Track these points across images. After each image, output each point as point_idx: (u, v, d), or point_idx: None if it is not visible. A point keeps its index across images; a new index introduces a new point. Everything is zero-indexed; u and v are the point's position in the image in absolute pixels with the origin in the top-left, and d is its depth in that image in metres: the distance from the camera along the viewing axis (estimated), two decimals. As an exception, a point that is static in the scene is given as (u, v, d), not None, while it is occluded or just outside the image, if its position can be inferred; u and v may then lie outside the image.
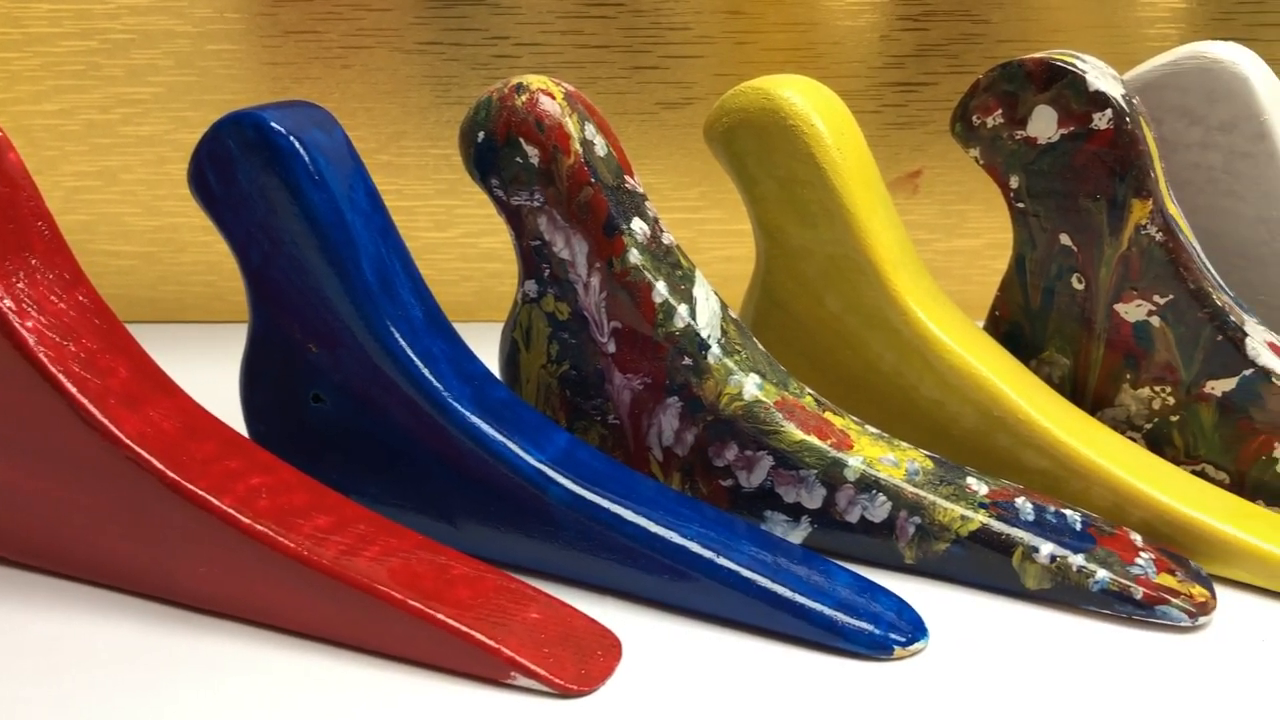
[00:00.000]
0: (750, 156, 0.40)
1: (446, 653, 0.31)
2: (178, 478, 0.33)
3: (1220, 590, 0.36)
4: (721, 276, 0.56)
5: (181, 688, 0.31)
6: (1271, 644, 0.34)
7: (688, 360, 0.37)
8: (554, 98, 0.37)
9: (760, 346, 0.39)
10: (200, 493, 0.33)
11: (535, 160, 0.36)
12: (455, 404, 0.35)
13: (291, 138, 0.35)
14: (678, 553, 0.34)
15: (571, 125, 0.37)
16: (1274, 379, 0.38)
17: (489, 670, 0.31)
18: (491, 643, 0.31)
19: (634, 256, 0.37)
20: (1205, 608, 0.34)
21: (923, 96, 0.52)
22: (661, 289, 0.37)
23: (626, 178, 0.38)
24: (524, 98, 0.37)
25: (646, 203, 0.38)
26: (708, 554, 0.34)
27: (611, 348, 0.38)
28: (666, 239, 0.38)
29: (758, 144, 0.40)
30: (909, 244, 0.41)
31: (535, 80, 0.37)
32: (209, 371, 0.43)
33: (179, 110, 0.58)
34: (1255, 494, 0.39)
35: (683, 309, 0.37)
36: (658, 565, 0.34)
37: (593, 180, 0.37)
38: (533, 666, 0.31)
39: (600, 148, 0.37)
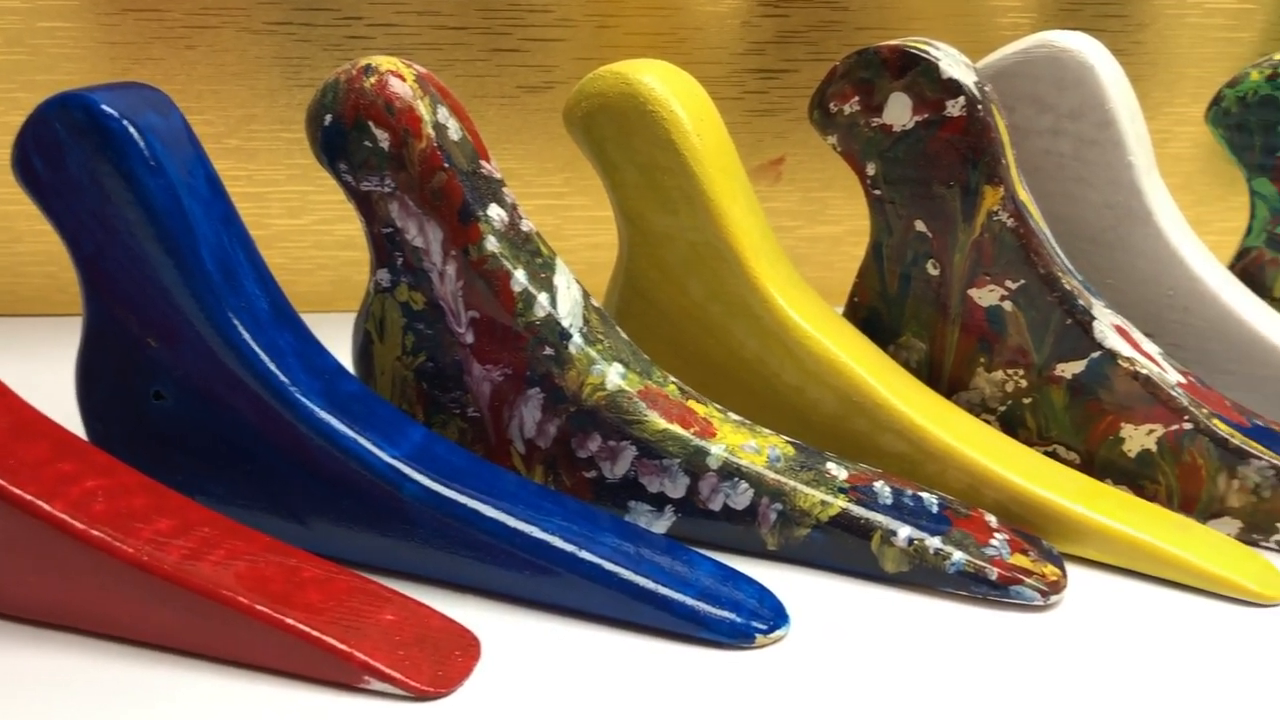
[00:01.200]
0: (610, 142, 0.39)
1: (297, 659, 0.30)
2: (4, 482, 0.30)
3: (1071, 568, 0.37)
4: (588, 264, 0.55)
5: (18, 706, 0.29)
6: (1117, 619, 0.35)
7: (549, 350, 0.36)
8: (404, 80, 0.35)
9: (623, 335, 0.38)
10: (29, 497, 0.30)
11: (385, 144, 0.35)
12: (303, 399, 0.34)
13: (124, 121, 0.33)
14: (539, 548, 0.33)
15: (423, 108, 0.35)
16: (1120, 361, 0.39)
17: (342, 675, 0.30)
18: (344, 647, 0.30)
19: (491, 244, 0.36)
20: (1057, 586, 0.35)
21: (784, 83, 0.53)
22: (521, 277, 0.36)
23: (482, 163, 0.37)
24: (373, 80, 0.35)
25: (504, 188, 0.37)
26: (569, 548, 0.33)
27: (470, 338, 0.37)
28: (526, 226, 0.37)
29: (617, 129, 0.39)
30: (769, 231, 0.41)
31: (385, 61, 0.36)
32: (47, 368, 0.41)
33: (9, 91, 0.55)
34: (1104, 473, 0.40)
35: (543, 297, 0.36)
36: (518, 561, 0.33)
37: (446, 165, 0.35)
38: (387, 670, 0.30)
39: (454, 131, 0.36)
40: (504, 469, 0.36)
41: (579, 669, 0.31)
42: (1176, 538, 0.37)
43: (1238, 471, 0.38)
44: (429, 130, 0.35)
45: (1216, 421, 0.39)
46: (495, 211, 0.36)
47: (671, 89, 0.39)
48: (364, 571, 0.34)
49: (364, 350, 0.39)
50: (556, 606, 0.34)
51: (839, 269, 0.47)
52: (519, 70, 0.52)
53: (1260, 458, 0.38)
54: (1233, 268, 0.46)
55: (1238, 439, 0.38)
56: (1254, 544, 0.39)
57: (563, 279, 0.37)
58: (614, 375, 0.36)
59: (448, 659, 0.31)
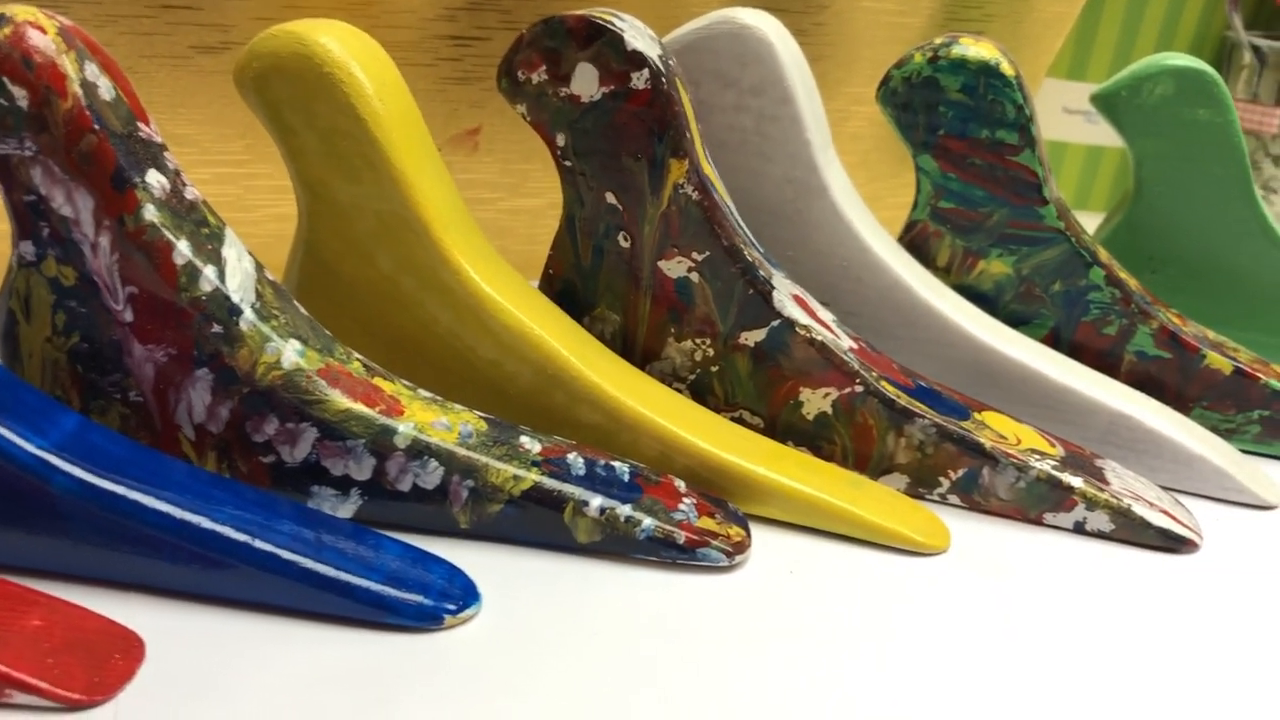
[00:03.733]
0: (286, 106, 0.37)
1: (-78, 679, 0.27)
2: None
3: (755, 528, 0.38)
4: (274, 236, 0.52)
5: None
6: (798, 574, 0.36)
7: (217, 328, 0.34)
8: (45, 32, 0.32)
9: (302, 310, 0.36)
10: None
11: (23, 103, 0.32)
12: (-74, 387, 0.30)
13: None
14: (209, 539, 0.31)
15: (68, 64, 0.32)
16: (798, 329, 0.41)
17: (-24, 693, 0.27)
18: (-23, 661, 0.27)
19: (150, 213, 0.33)
20: (741, 546, 0.36)
21: (478, 51, 0.51)
22: (184, 249, 0.33)
23: (140, 125, 0.34)
24: (7, 31, 0.31)
25: (166, 153, 0.35)
26: (243, 538, 0.31)
27: (129, 316, 0.34)
28: (190, 194, 0.35)
29: (293, 92, 0.37)
30: (460, 201, 0.40)
31: (21, 11, 0.32)
32: None
33: None
34: (785, 436, 0.42)
35: (209, 271, 0.34)
36: (187, 554, 0.31)
37: (96, 127, 0.32)
38: (33, 681, 0.27)
39: (105, 91, 0.33)
40: (171, 457, 0.33)
41: (256, 665, 0.30)
42: (851, 495, 0.39)
43: (904, 430, 0.41)
44: (75, 89, 0.32)
45: (885, 384, 0.41)
46: (155, 178, 0.33)
47: (350, 51, 0.37)
48: (10, 575, 0.30)
49: (8, 331, 0.35)
50: (232, 600, 0.32)
51: (542, 242, 0.47)
52: (192, 29, 0.49)
53: (924, 417, 0.40)
54: (901, 240, 0.49)
55: (904, 400, 0.41)
56: (920, 497, 0.41)
57: (232, 251, 0.35)
58: (291, 353, 0.34)
59: (106, 663, 0.28)
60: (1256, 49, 0.75)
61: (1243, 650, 0.35)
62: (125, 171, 0.33)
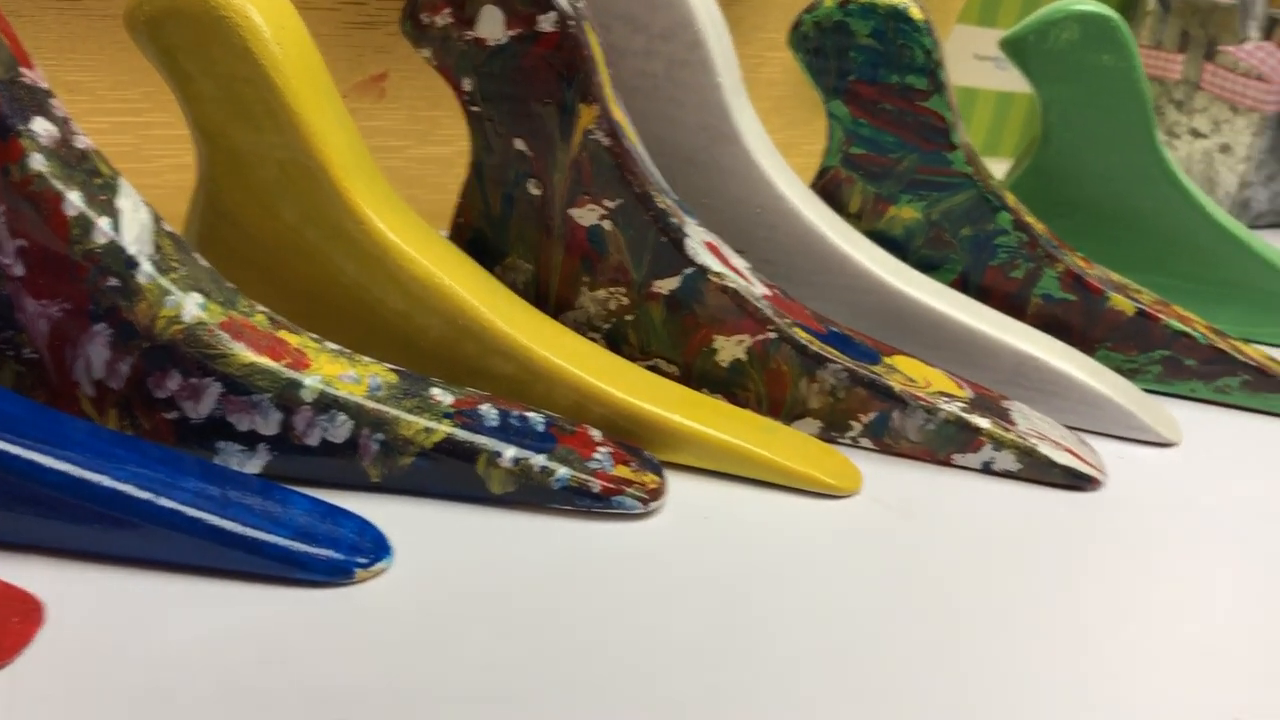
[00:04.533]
0: (181, 51, 0.36)
1: None
2: None
3: (671, 475, 0.38)
4: (174, 187, 0.50)
5: None
6: (713, 519, 0.36)
7: (114, 281, 0.33)
8: (-83, -29, 0.30)
9: (204, 263, 0.35)
10: None
11: (-105, 46, 0.30)
12: None
13: None
14: (111, 498, 0.30)
15: (-57, 5, 0.30)
16: (711, 276, 0.41)
17: None
18: None
19: (37, 162, 0.32)
20: (657, 493, 0.36)
21: (383, -5, 0.50)
22: (75, 200, 0.32)
23: (23, 70, 0.32)
24: (-126, -31, 0.30)
25: (53, 100, 0.33)
26: (145, 495, 0.30)
27: (19, 270, 0.32)
28: (81, 143, 0.33)
29: (188, 37, 0.36)
30: (364, 149, 0.39)
31: (-111, -52, 0.30)
32: None
33: None
34: (700, 383, 0.42)
35: (104, 222, 0.32)
36: (88, 514, 0.30)
37: (-25, 72, 0.31)
38: (-74, 649, 0.26)
39: (-16, 34, 0.31)
40: (70, 416, 0.32)
41: (161, 626, 0.29)
42: (764, 440, 0.39)
43: (817, 375, 0.41)
44: (-49, 31, 0.31)
45: (798, 330, 0.41)
46: (41, 126, 0.32)
47: (247, -7, 0.36)
48: (-104, 541, 0.29)
49: (-111, 288, 0.33)
50: (137, 560, 0.31)
51: (452, 191, 0.46)
52: (81, -30, 0.47)
53: (836, 362, 0.41)
54: (814, 186, 0.49)
55: (816, 345, 0.41)
56: (833, 441, 0.42)
57: (128, 202, 0.33)
58: (192, 306, 0.33)
59: (3, 627, 0.28)
60: (1161, -4, 0.77)
61: (1144, 582, 0.36)
62: (8, 119, 0.31)
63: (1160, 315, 0.48)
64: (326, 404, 0.34)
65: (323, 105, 0.37)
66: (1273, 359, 0.50)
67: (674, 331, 0.42)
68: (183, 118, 0.38)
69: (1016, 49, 0.52)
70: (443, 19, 0.39)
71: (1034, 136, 0.55)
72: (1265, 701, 0.31)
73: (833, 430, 0.42)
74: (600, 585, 0.33)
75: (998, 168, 0.58)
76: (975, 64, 0.82)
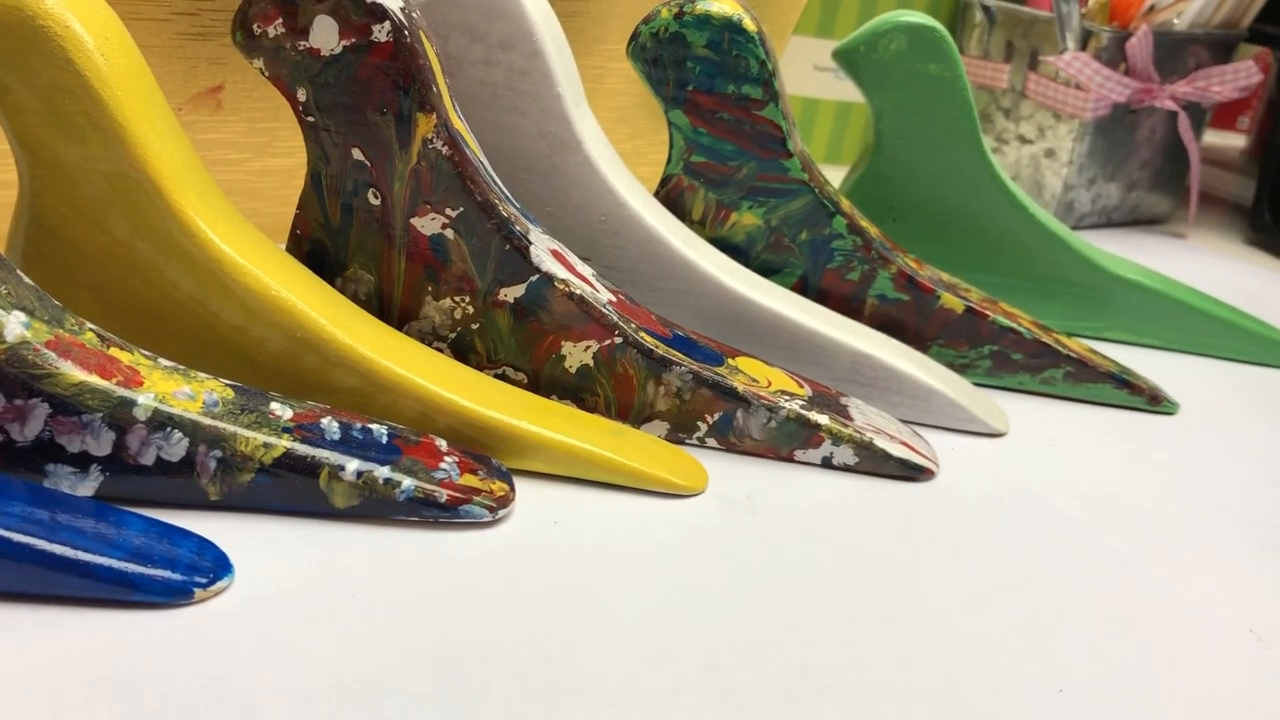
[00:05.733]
0: (-3, 62, 0.35)
1: None
2: None
3: (520, 481, 0.38)
4: (-2, 204, 0.49)
5: None
6: (561, 523, 0.37)
7: (-74, 301, 0.31)
8: None
9: (27, 280, 0.34)
10: None
11: None
12: None
13: None
14: (-73, 527, 0.29)
15: None
16: (556, 283, 0.41)
17: None
18: None
19: None
20: (505, 500, 0.36)
21: (215, 5, 0.49)
22: (-118, 218, 0.31)
23: None
24: None
25: None
26: (-35, 523, 0.29)
27: None
28: (-113, 158, 0.32)
29: (5, 47, 0.34)
30: (195, 160, 0.38)
31: None
32: None
33: None
34: (549, 390, 0.43)
35: (-86, 241, 0.31)
36: (-98, 545, 0.29)
37: None
38: None
39: None
40: (-119, 442, 0.31)
41: (-15, 656, 0.28)
42: (612, 443, 0.40)
43: (663, 378, 0.42)
44: None
45: (644, 335, 0.42)
46: None
47: (66, 2, 0.34)
48: None
49: None
50: (-42, 590, 0.30)
51: (293, 204, 0.45)
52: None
53: (681, 364, 0.42)
54: (658, 194, 0.50)
55: (661, 349, 0.42)
56: (680, 442, 0.43)
57: (-60, 218, 0.32)
58: (15, 325, 0.32)
59: None
60: (986, 9, 0.80)
61: (976, 566, 0.37)
62: None
63: (988, 312, 0.50)
64: (161, 422, 0.33)
65: (151, 117, 0.36)
66: (1094, 351, 0.53)
67: (521, 339, 0.42)
68: (1, 131, 0.37)
69: (848, 59, 0.54)
70: (275, 29, 0.38)
71: (867, 143, 0.57)
72: (1086, 673, 0.33)
73: (680, 431, 0.43)
74: (449, 594, 0.33)
75: (838, 175, 0.60)
76: (814, 75, 0.85)
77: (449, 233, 0.41)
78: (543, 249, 0.42)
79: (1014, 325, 0.51)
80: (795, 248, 0.50)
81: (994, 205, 0.56)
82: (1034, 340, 0.51)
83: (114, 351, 0.34)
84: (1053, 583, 0.37)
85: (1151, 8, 0.74)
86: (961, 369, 0.51)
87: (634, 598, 0.34)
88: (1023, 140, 0.80)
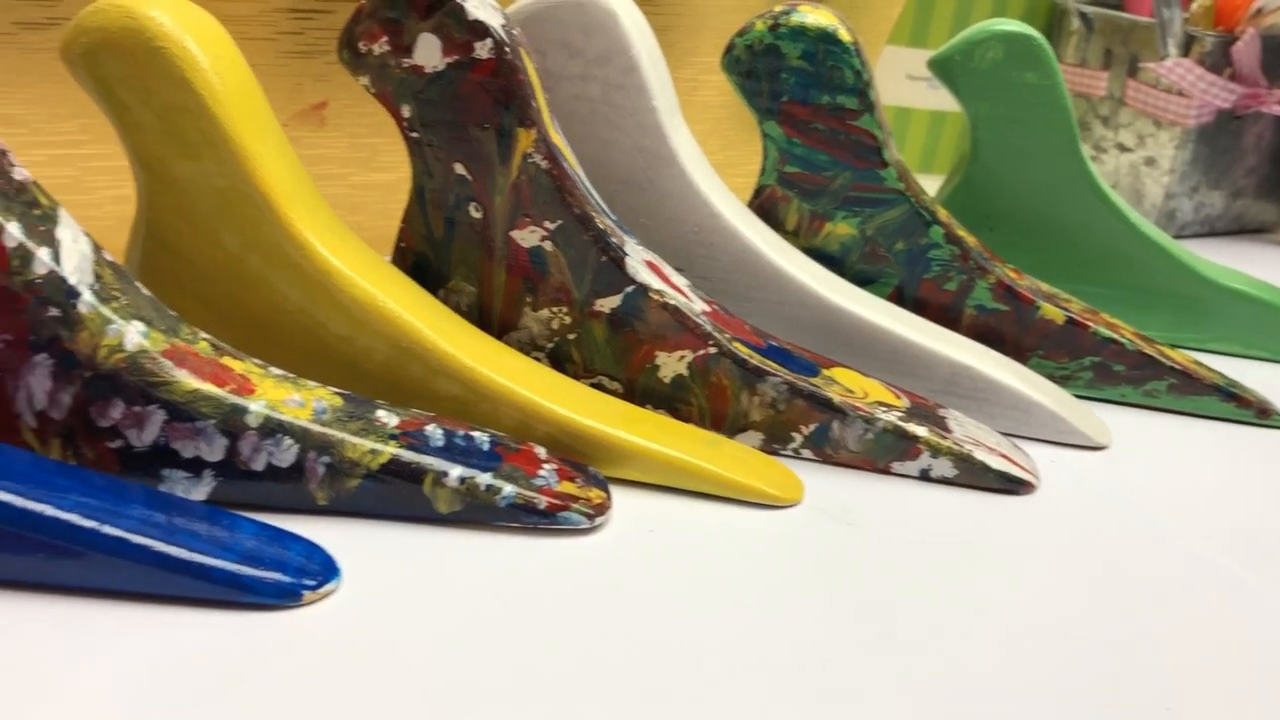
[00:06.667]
0: (118, 82, 0.36)
1: None
2: None
3: (616, 490, 0.39)
4: (116, 218, 0.50)
5: None
6: (658, 532, 0.37)
7: (54, 311, 0.33)
8: None
9: (145, 291, 0.35)
10: None
11: None
12: None
13: None
14: (55, 527, 0.30)
15: (-124, 40, 0.31)
16: (651, 294, 0.41)
17: None
18: None
19: (-26, 195, 0.32)
20: (602, 508, 0.37)
21: (319, 24, 0.51)
22: (15, 232, 0.32)
23: (-41, 104, 0.33)
24: None
25: (-11, 134, 0.33)
26: (90, 524, 0.30)
27: (-43, 303, 0.32)
28: (19, 174, 0.34)
29: (125, 67, 0.36)
30: (305, 176, 0.39)
31: None
32: None
33: None
34: (644, 399, 0.43)
35: (44, 253, 0.33)
36: (32, 544, 0.30)
37: (-89, 106, 0.31)
38: None
39: (-81, 68, 0.32)
40: (12, 447, 0.32)
41: (108, 653, 0.29)
42: (707, 453, 0.40)
43: (757, 389, 0.42)
44: (-115, 66, 0.31)
45: (738, 345, 0.42)
46: (-22, 158, 0.32)
47: (183, 24, 0.36)
48: None
49: None
50: (82, 589, 0.31)
51: (395, 217, 0.46)
52: (16, 5, 0.46)
53: (775, 375, 0.42)
54: (751, 204, 0.50)
55: (756, 359, 0.42)
56: (775, 453, 0.43)
57: (67, 232, 0.34)
58: (134, 335, 0.33)
59: (-53, 662, 0.27)
60: (1083, 15, 0.79)
61: (1077, 582, 0.37)
62: (-55, 152, 0.31)
63: (1089, 323, 0.50)
64: (272, 428, 0.34)
65: (262, 133, 0.37)
66: (1198, 363, 0.51)
67: (617, 349, 0.42)
68: (121, 149, 0.38)
69: (944, 69, 0.54)
70: (380, 47, 0.39)
71: (963, 153, 0.56)
72: (1194, 693, 0.32)
73: (774, 442, 0.43)
74: (548, 600, 0.33)
75: (933, 184, 0.60)
76: (908, 84, 0.84)
77: (547, 245, 0.41)
78: (638, 260, 0.42)
79: (1116, 336, 0.50)
80: (891, 257, 0.50)
81: (1093, 214, 0.56)
82: (1137, 351, 0.50)
83: (226, 360, 0.35)
84: (1158, 600, 0.36)
85: (1259, 10, 0.72)
86: (1062, 381, 0.50)
87: (729, 607, 0.34)
88: (1122, 148, 0.78)
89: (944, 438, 0.42)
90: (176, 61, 0.35)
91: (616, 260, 0.41)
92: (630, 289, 0.41)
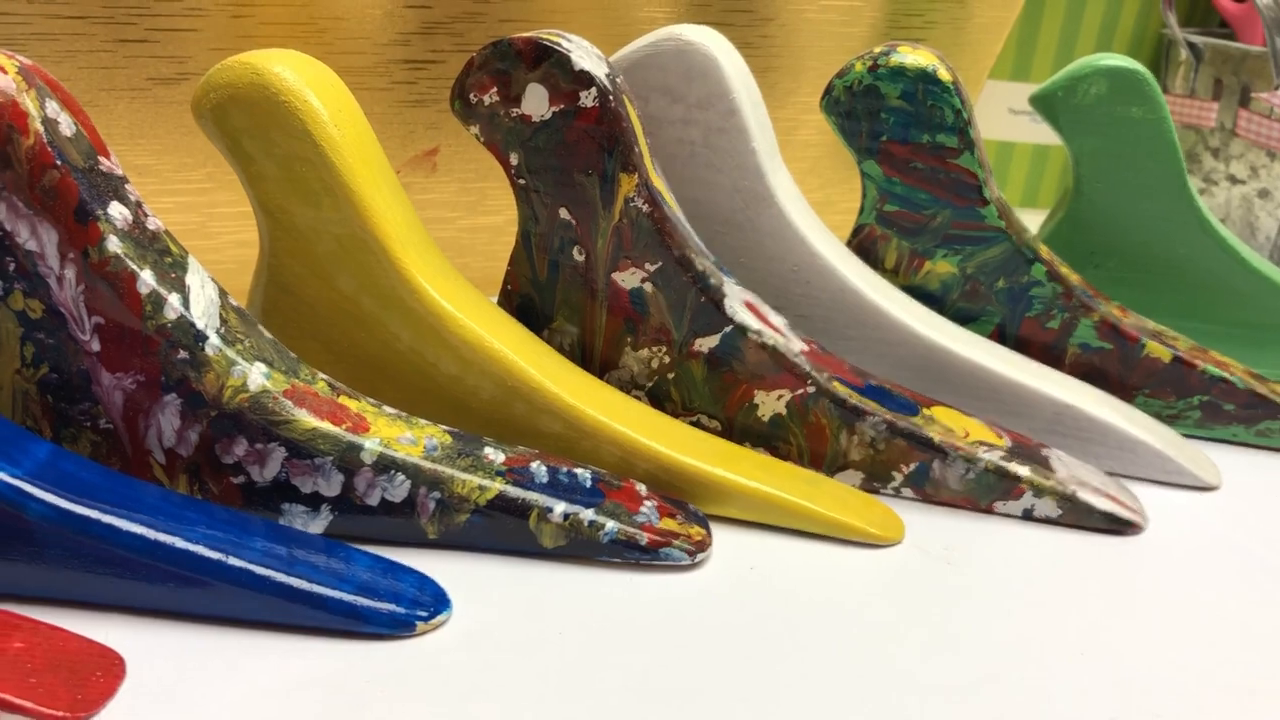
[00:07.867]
0: (244, 134, 0.38)
1: (-92, 704, 0.27)
2: None
3: (716, 527, 0.39)
4: (238, 262, 0.53)
5: None
6: (758, 570, 0.37)
7: (183, 353, 0.35)
8: (6, 72, 0.33)
9: (266, 334, 0.37)
10: None
11: (-14, 141, 0.32)
12: (-100, 422, 0.31)
13: None
14: (183, 558, 0.32)
15: (29, 103, 0.33)
16: (749, 334, 0.42)
17: (-38, 716, 0.28)
18: (-39, 685, 0.27)
19: (113, 244, 0.34)
20: (703, 545, 0.37)
21: (431, 74, 0.53)
22: (148, 278, 0.34)
23: (101, 159, 0.35)
24: (-33, 71, 0.32)
25: (127, 185, 0.35)
26: (216, 555, 0.32)
27: (95, 345, 0.34)
28: (153, 224, 0.36)
29: (250, 121, 0.38)
30: (417, 221, 0.41)
31: (-20, 52, 0.33)
32: None
33: None
34: (742, 438, 0.43)
35: (174, 298, 0.35)
36: (162, 574, 0.32)
37: (59, 162, 0.33)
38: (19, 701, 0.28)
39: (66, 126, 0.34)
40: (143, 481, 0.34)
41: (233, 678, 0.30)
42: (807, 492, 0.40)
43: (856, 428, 0.42)
44: (37, 126, 0.33)
45: (836, 384, 0.42)
46: (117, 210, 0.34)
47: (305, 79, 0.38)
48: (-13, 603, 0.31)
49: (-23, 365, 0.36)
50: (209, 617, 0.33)
51: (501, 259, 0.48)
52: (149, 61, 0.49)
53: (875, 414, 0.42)
54: (850, 243, 0.51)
55: (855, 399, 0.42)
56: (875, 492, 0.43)
57: (196, 278, 0.36)
58: (256, 375, 0.35)
59: (88, 682, 0.29)
60: (1192, 45, 0.78)
61: (1186, 626, 0.36)
62: (88, 205, 0.34)
63: (1197, 361, 0.49)
64: (386, 465, 0.36)
65: (377, 182, 0.39)
66: (1314, 401, 0.50)
67: (715, 388, 0.43)
68: (244, 196, 0.40)
69: (1046, 104, 0.54)
70: (490, 97, 0.41)
71: (1066, 188, 0.56)
72: (1310, 740, 0.31)
73: (874, 481, 0.43)
74: (650, 635, 0.34)
75: (1035, 219, 0.59)
76: (1010, 118, 0.84)
77: (648, 286, 0.42)
78: (736, 300, 0.43)
79: (1226, 375, 0.49)
80: (992, 295, 0.49)
81: (1202, 250, 0.54)
82: (1248, 390, 0.48)
83: (343, 399, 0.37)
84: (1273, 647, 0.35)
85: (1376, 39, 0.70)
86: (1170, 420, 0.49)
87: (830, 645, 0.34)
88: (1233, 180, 0.77)
89: (1047, 477, 0.41)
90: (298, 115, 0.37)
91: (715, 300, 0.42)
92: (728, 329, 0.42)
